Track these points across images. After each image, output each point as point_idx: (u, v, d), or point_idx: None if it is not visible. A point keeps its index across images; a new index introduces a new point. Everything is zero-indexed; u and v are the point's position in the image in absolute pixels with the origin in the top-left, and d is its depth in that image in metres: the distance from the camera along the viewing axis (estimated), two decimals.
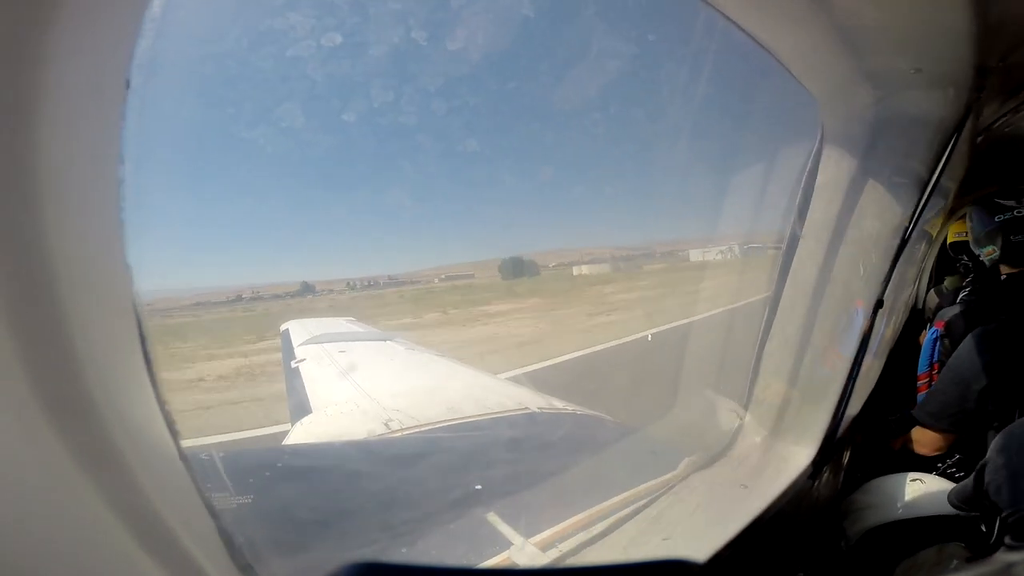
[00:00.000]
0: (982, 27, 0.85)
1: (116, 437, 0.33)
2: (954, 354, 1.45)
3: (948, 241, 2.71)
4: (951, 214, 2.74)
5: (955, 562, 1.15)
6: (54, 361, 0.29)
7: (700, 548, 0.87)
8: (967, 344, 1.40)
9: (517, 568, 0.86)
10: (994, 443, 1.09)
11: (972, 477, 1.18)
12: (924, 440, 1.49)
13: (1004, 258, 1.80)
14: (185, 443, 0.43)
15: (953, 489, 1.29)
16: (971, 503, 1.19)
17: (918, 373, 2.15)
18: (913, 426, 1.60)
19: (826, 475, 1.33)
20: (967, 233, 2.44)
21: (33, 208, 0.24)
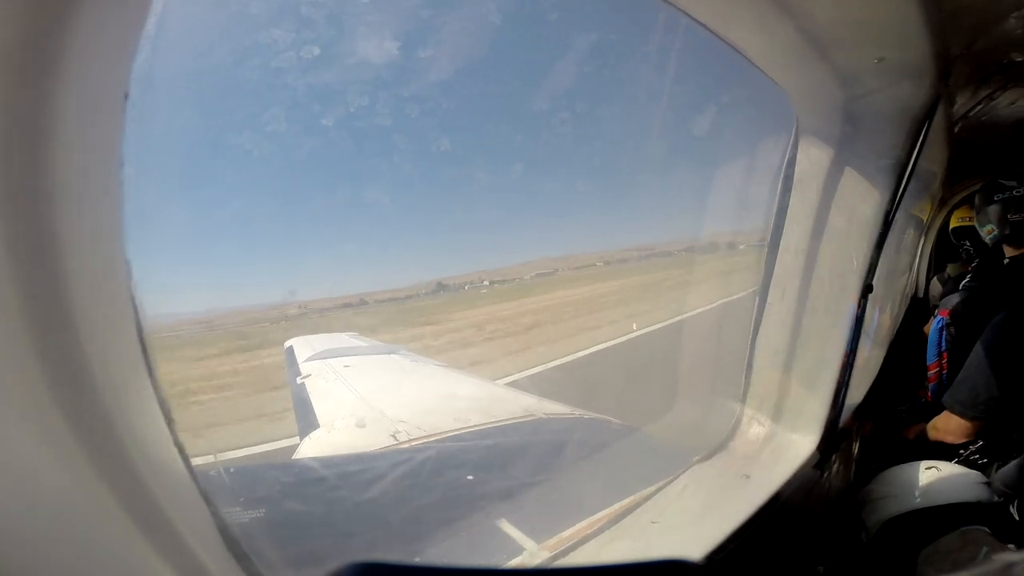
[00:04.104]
0: (940, 16, 0.88)
1: (125, 441, 0.34)
2: (979, 341, 1.40)
3: (951, 226, 2.67)
4: (943, 203, 2.74)
5: (984, 548, 1.13)
6: (66, 365, 0.30)
7: (704, 538, 0.87)
8: (992, 330, 1.36)
9: (518, 568, 0.86)
10: None
11: (1018, 461, 1.16)
12: (951, 428, 1.44)
13: (1004, 237, 1.81)
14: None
15: (998, 474, 1.27)
16: (1015, 486, 1.17)
17: (928, 363, 2.10)
18: (923, 416, 1.57)
19: (835, 466, 1.32)
20: (971, 218, 2.41)
21: (47, 211, 0.27)
